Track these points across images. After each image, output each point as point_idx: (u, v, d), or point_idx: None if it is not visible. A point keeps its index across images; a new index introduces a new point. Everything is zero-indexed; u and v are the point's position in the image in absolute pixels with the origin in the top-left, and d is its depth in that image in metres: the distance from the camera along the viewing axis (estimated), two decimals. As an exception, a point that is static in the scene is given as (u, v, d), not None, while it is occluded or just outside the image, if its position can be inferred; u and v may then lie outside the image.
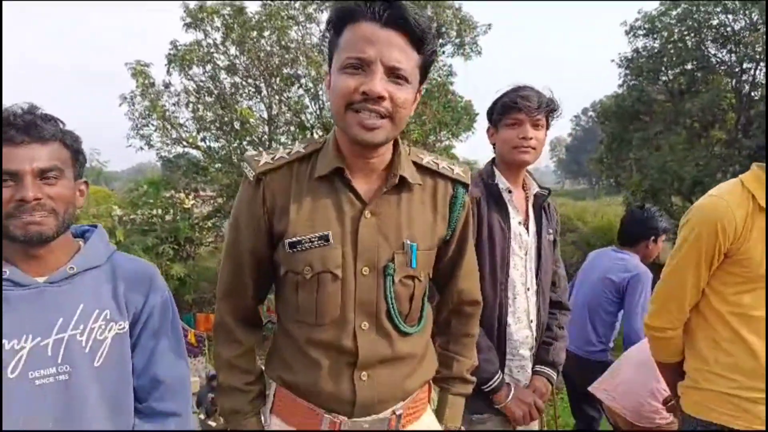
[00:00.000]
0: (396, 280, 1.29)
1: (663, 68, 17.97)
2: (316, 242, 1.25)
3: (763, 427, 1.63)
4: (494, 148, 2.02)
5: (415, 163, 1.35)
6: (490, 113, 2.01)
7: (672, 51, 17.44)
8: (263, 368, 1.42)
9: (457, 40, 15.12)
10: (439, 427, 1.47)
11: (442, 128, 14.28)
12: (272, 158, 1.30)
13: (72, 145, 1.32)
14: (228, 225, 1.39)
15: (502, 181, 1.95)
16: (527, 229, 1.98)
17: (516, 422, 1.93)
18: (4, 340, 1.22)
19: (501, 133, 1.95)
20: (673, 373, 1.82)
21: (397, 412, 1.34)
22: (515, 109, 1.88)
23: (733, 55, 17.21)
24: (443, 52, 15.20)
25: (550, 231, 2.05)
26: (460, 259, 1.48)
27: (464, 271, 1.49)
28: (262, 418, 1.39)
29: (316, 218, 1.26)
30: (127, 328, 1.35)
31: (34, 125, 1.24)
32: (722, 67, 17.51)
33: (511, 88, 1.96)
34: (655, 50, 17.90)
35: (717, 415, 1.66)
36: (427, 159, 1.37)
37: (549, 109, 1.93)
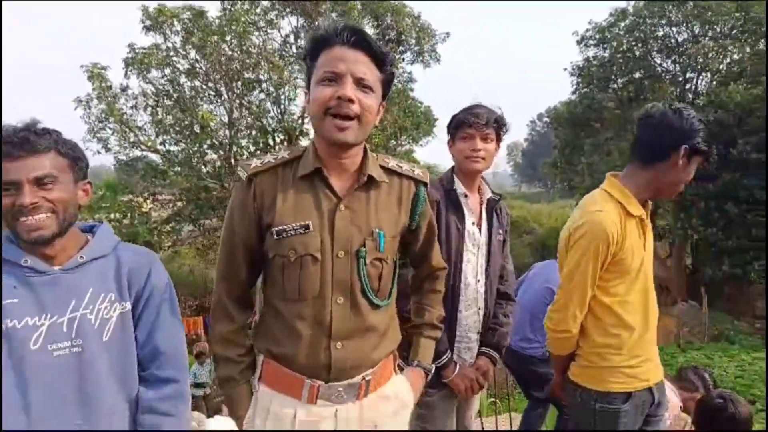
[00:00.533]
0: (367, 261, 1.52)
1: (613, 77, 18.76)
2: (299, 230, 1.48)
3: (641, 385, 2.04)
4: (453, 158, 2.29)
5: (381, 167, 1.59)
6: (449, 128, 2.29)
7: (621, 60, 18.23)
8: (252, 343, 1.64)
9: (417, 48, 15.45)
10: (406, 392, 1.72)
11: (403, 133, 14.59)
12: (261, 162, 1.54)
13: (68, 153, 1.49)
14: (225, 219, 1.61)
15: (460, 187, 2.22)
16: (480, 229, 2.25)
17: (460, 393, 2.22)
18: (26, 318, 1.42)
19: (456, 145, 2.24)
20: (566, 360, 2.15)
21: (366, 378, 1.57)
22: (467, 125, 2.18)
23: (677, 65, 18.11)
24: (402, 60, 15.51)
25: (501, 231, 2.32)
26: (431, 243, 1.78)
27: (434, 251, 1.81)
28: (252, 385, 1.60)
29: (298, 210, 1.49)
30: (130, 308, 1.54)
31: (27, 141, 1.41)
32: (667, 77, 18.40)
33: (466, 106, 2.24)
34: (605, 59, 18.68)
35: (611, 385, 2.03)
36: (392, 163, 1.62)
37: (497, 125, 2.21)
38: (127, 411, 1.53)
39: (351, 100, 1.40)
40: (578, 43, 19.22)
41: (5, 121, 1.47)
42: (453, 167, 2.30)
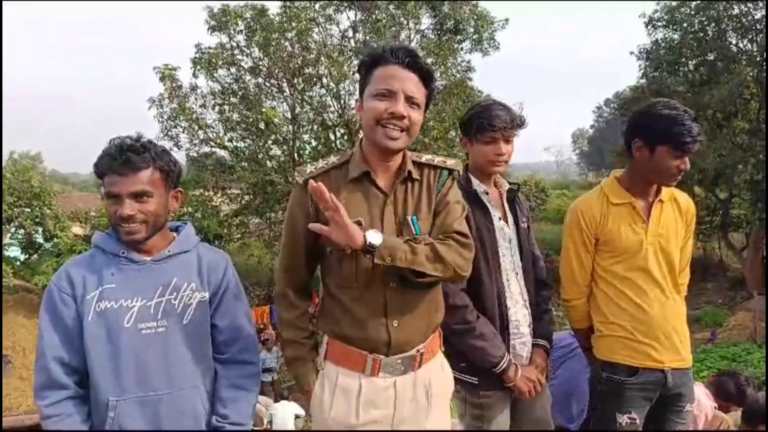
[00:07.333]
0: None
1: (683, 59, 17.91)
2: None
3: (649, 364, 2.16)
4: (467, 156, 2.34)
5: (414, 162, 1.81)
6: (464, 127, 2.32)
7: (692, 42, 17.38)
8: (314, 327, 1.87)
9: (475, 36, 15.30)
10: (446, 366, 1.94)
11: (462, 124, 14.50)
12: (315, 167, 1.77)
13: (163, 167, 1.74)
14: (285, 218, 1.84)
15: (479, 186, 2.27)
16: (506, 222, 2.29)
17: (522, 395, 2.22)
18: (121, 300, 1.68)
19: (477, 147, 2.26)
20: (585, 338, 2.39)
21: (420, 351, 1.78)
22: (490, 129, 2.20)
23: (754, 44, 17.08)
24: (461, 49, 15.40)
25: (524, 219, 2.36)
26: (450, 210, 1.81)
27: (454, 218, 1.81)
28: (317, 363, 1.82)
29: (351, 209, 1.66)
30: (208, 297, 1.80)
31: (129, 161, 1.67)
32: (743, 57, 17.39)
33: (484, 106, 2.27)
34: (675, 42, 17.84)
35: (616, 355, 2.22)
36: (424, 158, 1.85)
37: (519, 125, 2.25)
38: (201, 384, 1.77)
39: (403, 117, 1.64)
40: (646, 25, 18.45)
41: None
42: (467, 165, 2.33)
